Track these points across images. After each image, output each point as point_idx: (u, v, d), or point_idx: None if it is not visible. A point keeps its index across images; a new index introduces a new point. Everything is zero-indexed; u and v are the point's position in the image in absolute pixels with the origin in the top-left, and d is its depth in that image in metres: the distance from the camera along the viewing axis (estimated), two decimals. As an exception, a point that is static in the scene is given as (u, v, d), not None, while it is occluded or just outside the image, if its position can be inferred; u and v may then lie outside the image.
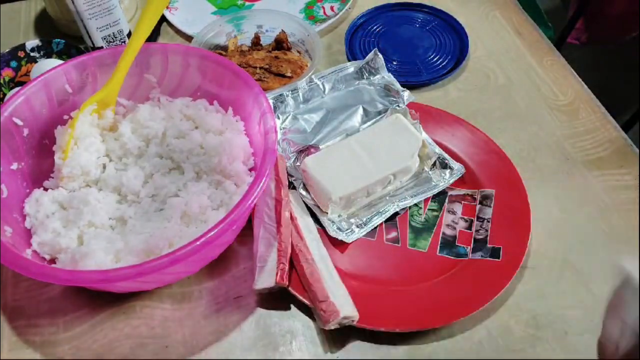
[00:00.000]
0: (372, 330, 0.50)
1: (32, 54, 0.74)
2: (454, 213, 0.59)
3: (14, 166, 0.55)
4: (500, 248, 0.54)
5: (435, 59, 0.75)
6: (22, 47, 0.73)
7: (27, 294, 0.55)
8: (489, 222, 0.57)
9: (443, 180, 0.61)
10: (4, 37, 0.81)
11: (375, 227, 0.58)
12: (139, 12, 0.84)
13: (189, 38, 0.78)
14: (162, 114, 0.60)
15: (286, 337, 0.51)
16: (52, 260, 0.52)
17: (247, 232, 0.56)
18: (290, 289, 0.52)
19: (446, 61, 0.74)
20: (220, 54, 0.74)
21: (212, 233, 0.45)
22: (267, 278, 0.51)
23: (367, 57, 0.68)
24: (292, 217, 0.55)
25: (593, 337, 0.50)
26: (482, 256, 0.54)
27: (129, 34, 0.75)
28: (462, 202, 0.60)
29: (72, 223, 0.53)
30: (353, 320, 0.49)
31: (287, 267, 0.51)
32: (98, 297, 0.54)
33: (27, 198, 0.55)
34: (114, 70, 0.58)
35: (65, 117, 0.59)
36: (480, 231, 0.57)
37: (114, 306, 0.53)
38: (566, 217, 0.59)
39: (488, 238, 0.56)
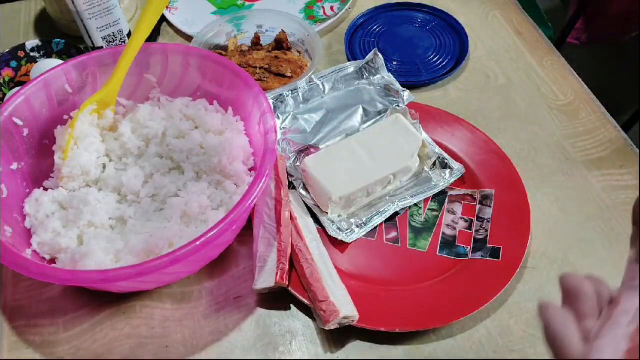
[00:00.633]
0: (372, 330, 0.50)
1: (32, 54, 0.74)
2: (454, 213, 0.59)
3: (14, 166, 0.55)
4: (500, 248, 0.54)
5: (435, 59, 0.75)
6: (22, 47, 0.73)
7: (27, 294, 0.55)
8: (489, 222, 0.57)
9: (443, 180, 0.61)
10: (4, 37, 0.81)
11: (375, 227, 0.58)
12: (139, 12, 0.84)
13: (189, 38, 0.78)
14: (162, 114, 0.60)
15: (286, 337, 0.51)
16: (52, 260, 0.52)
17: (247, 232, 0.56)
18: (290, 289, 0.52)
19: (446, 61, 0.74)
20: (220, 54, 0.74)
21: (212, 233, 0.45)
22: (267, 278, 0.51)
23: (367, 57, 0.68)
24: (292, 217, 0.55)
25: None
26: (482, 256, 0.54)
27: (129, 34, 0.75)
28: (462, 202, 0.60)
29: (72, 223, 0.53)
30: (353, 320, 0.49)
31: (287, 267, 0.51)
32: (98, 297, 0.54)
33: (27, 198, 0.55)
34: (114, 70, 0.58)
35: (65, 117, 0.59)
36: (480, 231, 0.57)
37: (114, 306, 0.53)
38: (566, 217, 0.59)
39: (488, 238, 0.56)
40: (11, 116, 0.55)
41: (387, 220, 0.58)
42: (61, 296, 0.54)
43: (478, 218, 0.58)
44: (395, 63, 0.75)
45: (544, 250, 0.56)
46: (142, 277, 0.44)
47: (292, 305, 0.53)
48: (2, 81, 0.71)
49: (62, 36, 0.78)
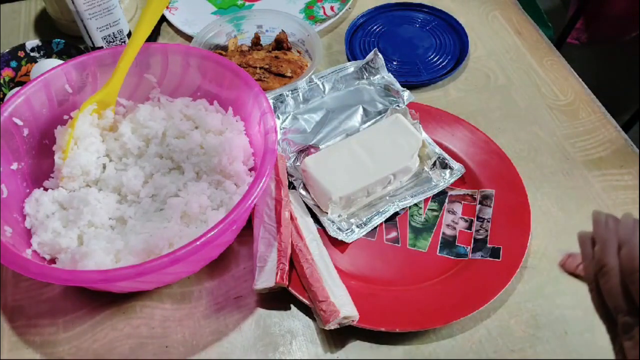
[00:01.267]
0: (372, 330, 0.50)
1: (32, 54, 0.74)
2: (454, 213, 0.59)
3: (14, 166, 0.55)
4: (500, 248, 0.54)
5: (435, 59, 0.75)
6: (22, 47, 0.73)
7: (27, 294, 0.55)
8: (489, 222, 0.57)
9: (443, 180, 0.61)
10: (4, 37, 0.81)
11: (375, 227, 0.58)
12: (139, 12, 0.84)
13: (189, 38, 0.78)
14: (162, 114, 0.60)
15: (286, 337, 0.51)
16: (52, 260, 0.52)
17: (247, 232, 0.56)
18: (290, 289, 0.52)
19: (446, 61, 0.74)
20: (220, 54, 0.74)
21: (212, 233, 0.45)
22: (267, 278, 0.51)
23: (367, 57, 0.68)
24: (292, 217, 0.55)
25: (593, 337, 0.50)
26: (482, 256, 0.54)
27: (129, 34, 0.75)
28: (462, 202, 0.60)
29: (72, 223, 0.53)
30: (353, 320, 0.49)
31: (287, 267, 0.51)
32: (98, 297, 0.54)
33: (27, 198, 0.55)
34: (114, 70, 0.58)
35: (65, 117, 0.59)
36: (480, 231, 0.57)
37: (114, 306, 0.53)
38: (566, 217, 0.59)
39: (488, 238, 0.56)
40: (11, 116, 0.55)
41: (387, 220, 0.58)
42: (61, 296, 0.54)
43: (478, 218, 0.58)
44: (395, 63, 0.75)
45: (544, 250, 0.56)
46: (142, 277, 0.44)
47: (292, 305, 0.53)
48: (2, 81, 0.71)
49: (62, 36, 0.78)
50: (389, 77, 0.67)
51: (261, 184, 0.48)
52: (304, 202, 0.59)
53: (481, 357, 0.50)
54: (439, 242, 0.57)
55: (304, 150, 0.61)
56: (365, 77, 0.68)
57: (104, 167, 0.58)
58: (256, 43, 0.76)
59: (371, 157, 0.59)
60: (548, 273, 0.54)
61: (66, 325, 0.52)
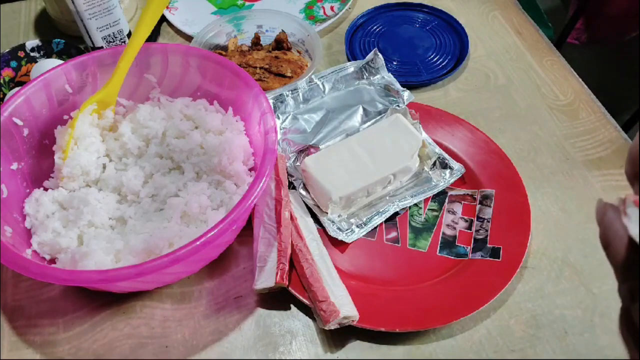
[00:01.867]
0: (372, 330, 0.50)
1: (32, 54, 0.74)
2: (454, 213, 0.59)
3: (14, 166, 0.55)
4: (500, 248, 0.54)
5: (435, 59, 0.75)
6: (22, 47, 0.73)
7: (27, 294, 0.55)
8: (489, 222, 0.57)
9: (443, 180, 0.61)
10: (4, 37, 0.81)
11: (375, 227, 0.58)
12: (139, 12, 0.84)
13: (189, 38, 0.78)
14: (162, 114, 0.60)
15: (286, 337, 0.51)
16: (52, 260, 0.52)
17: (247, 232, 0.56)
18: (290, 289, 0.52)
19: (446, 61, 0.74)
20: (220, 54, 0.74)
21: (212, 233, 0.45)
22: (267, 278, 0.51)
23: (367, 57, 0.68)
24: (292, 217, 0.55)
25: (593, 337, 0.50)
26: (482, 256, 0.54)
27: (129, 34, 0.75)
28: (462, 202, 0.60)
29: (72, 223, 0.53)
30: (353, 320, 0.49)
31: (287, 267, 0.51)
32: (98, 297, 0.54)
33: (27, 198, 0.55)
34: (114, 70, 0.58)
35: (65, 117, 0.59)
36: (480, 231, 0.57)
37: (114, 306, 0.53)
38: (566, 217, 0.59)
39: (488, 238, 0.56)
40: (11, 116, 0.55)
41: (387, 220, 0.58)
42: (61, 296, 0.54)
43: (478, 218, 0.58)
44: (395, 63, 0.75)
45: (544, 250, 0.56)
46: (142, 277, 0.44)
47: (292, 305, 0.53)
48: (2, 81, 0.71)
49: (62, 36, 0.78)
50: (389, 77, 0.67)
51: (261, 184, 0.48)
52: (304, 202, 0.59)
53: (481, 357, 0.50)
54: (439, 242, 0.57)
55: (304, 150, 0.61)
56: (365, 77, 0.68)
57: (104, 167, 0.58)
58: (256, 43, 0.76)
59: (371, 157, 0.59)
60: (548, 273, 0.54)
61: (66, 325, 0.52)
